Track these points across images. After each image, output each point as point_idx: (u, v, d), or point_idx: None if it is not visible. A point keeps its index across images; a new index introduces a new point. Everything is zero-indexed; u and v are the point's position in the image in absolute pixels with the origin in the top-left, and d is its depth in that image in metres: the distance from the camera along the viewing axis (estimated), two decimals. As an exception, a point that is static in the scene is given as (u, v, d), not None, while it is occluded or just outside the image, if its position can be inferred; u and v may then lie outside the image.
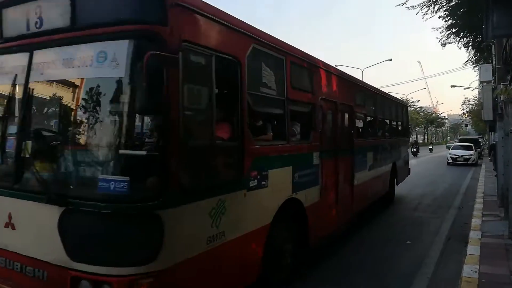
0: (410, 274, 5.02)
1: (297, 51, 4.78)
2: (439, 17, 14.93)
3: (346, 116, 6.58)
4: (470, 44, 16.97)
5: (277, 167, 4.17)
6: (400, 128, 11.72)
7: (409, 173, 12.47)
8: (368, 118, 8.33)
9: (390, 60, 42.29)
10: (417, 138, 61.44)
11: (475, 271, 4.62)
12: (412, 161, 12.86)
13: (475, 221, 7.32)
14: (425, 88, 74.18)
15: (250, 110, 3.76)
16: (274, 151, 4.18)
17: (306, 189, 4.84)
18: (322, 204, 5.35)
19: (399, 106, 11.55)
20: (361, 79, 8.00)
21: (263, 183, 3.89)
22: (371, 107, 8.35)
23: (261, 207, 3.89)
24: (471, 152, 25.42)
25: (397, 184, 10.78)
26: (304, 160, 4.85)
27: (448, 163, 25.00)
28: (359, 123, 7.70)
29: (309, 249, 5.03)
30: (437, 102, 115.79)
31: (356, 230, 7.15)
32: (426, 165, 23.92)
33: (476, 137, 44.12)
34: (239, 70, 3.56)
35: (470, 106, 49.76)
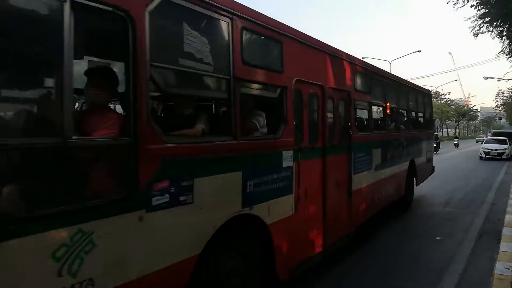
0: (440, 270, 4.78)
1: (254, 14, 3.40)
2: (471, 6, 14.28)
3: (340, 104, 5.14)
4: (504, 33, 16.02)
5: (211, 174, 2.86)
6: (421, 120, 10.03)
7: (432, 172, 10.76)
8: (375, 108, 6.79)
9: (419, 51, 39.96)
10: (447, 132, 57.90)
11: (508, 269, 4.42)
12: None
13: (509, 217, 6.93)
14: (456, 80, 69.75)
15: (159, 91, 2.49)
16: (205, 151, 2.85)
17: (269, 200, 3.50)
18: (299, 219, 3.98)
19: (420, 95, 9.80)
20: (371, 64, 6.41)
21: (182, 198, 2.60)
22: (379, 94, 6.79)
23: (180, 233, 2.59)
24: (505, 146, 23.49)
25: (416, 185, 9.18)
26: (265, 162, 3.50)
27: (481, 158, 23.38)
28: (361, 114, 6.22)
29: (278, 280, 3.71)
30: (469, 94, 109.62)
31: (386, 223, 6.96)
32: (449, 162, 21.80)
33: (511, 130, 40.91)
34: (131, 30, 2.27)
35: (504, 98, 46.30)
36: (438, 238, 6.16)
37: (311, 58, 4.41)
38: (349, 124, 5.29)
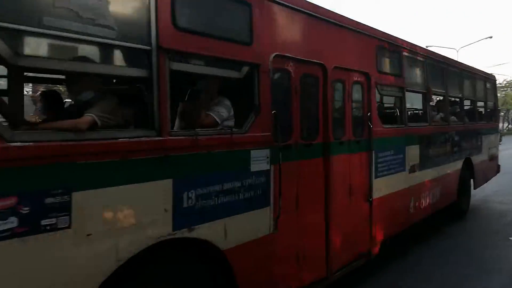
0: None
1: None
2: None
3: (355, 89, 3.97)
4: None
5: (109, 184, 1.94)
6: (481, 110, 8.27)
7: (497, 171, 8.87)
8: (413, 95, 5.45)
9: (490, 37, 36.62)
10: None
11: None
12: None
13: None
14: (534, 68, 61.93)
15: (5, 65, 1.65)
16: (96, 151, 1.93)
17: (225, 217, 2.52)
18: (282, 240, 2.95)
19: (480, 80, 8.03)
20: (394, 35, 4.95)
21: (48, 222, 1.71)
22: (418, 78, 5.41)
23: (43, 272, 1.73)
24: None
25: (474, 188, 7.53)
26: (217, 165, 2.51)
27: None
28: (388, 102, 4.95)
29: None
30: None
31: (445, 223, 6.42)
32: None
33: None
34: None
35: None
36: (511, 238, 5.72)
37: (305, 28, 3.33)
38: (369, 114, 4.10)
